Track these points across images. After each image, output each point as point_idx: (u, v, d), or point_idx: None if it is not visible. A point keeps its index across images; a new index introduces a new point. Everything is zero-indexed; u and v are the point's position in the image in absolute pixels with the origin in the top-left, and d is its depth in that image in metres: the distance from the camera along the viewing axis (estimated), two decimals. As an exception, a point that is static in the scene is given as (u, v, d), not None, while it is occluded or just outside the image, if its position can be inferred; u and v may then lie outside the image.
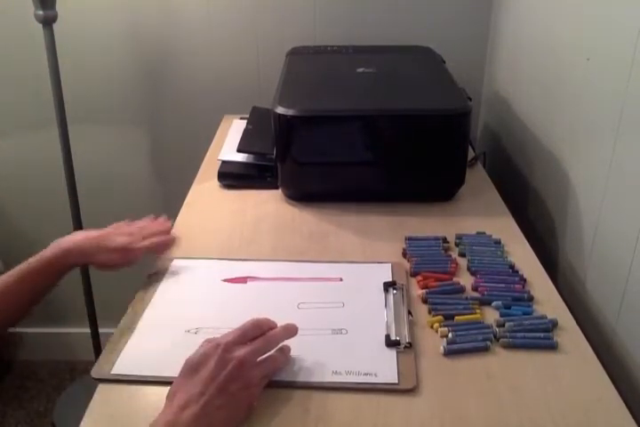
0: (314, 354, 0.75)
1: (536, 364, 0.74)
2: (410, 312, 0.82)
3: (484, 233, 1.03)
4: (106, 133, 1.70)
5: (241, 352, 0.66)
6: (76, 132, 1.54)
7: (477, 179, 1.23)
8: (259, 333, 0.70)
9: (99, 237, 0.91)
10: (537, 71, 1.25)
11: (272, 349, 0.71)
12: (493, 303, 0.85)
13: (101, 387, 0.71)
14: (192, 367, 0.64)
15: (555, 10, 1.16)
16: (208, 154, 1.34)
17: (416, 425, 0.66)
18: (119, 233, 0.94)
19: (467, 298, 0.86)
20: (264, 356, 0.69)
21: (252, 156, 1.22)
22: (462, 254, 0.97)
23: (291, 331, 0.73)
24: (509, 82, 1.45)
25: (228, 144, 1.30)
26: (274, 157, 1.13)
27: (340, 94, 1.15)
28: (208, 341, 0.68)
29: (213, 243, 1.01)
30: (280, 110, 1.07)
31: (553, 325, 0.80)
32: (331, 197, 1.14)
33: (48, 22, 1.38)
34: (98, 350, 1.73)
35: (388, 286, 0.88)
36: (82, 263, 0.89)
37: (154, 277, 0.92)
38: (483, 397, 0.70)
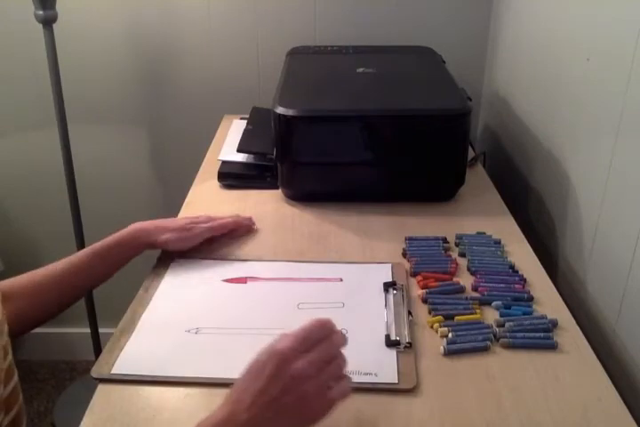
0: (314, 354, 0.75)
1: (536, 364, 0.74)
2: (410, 312, 0.82)
3: (483, 233, 1.03)
4: (106, 133, 1.70)
5: (298, 365, 0.60)
6: (75, 132, 1.54)
7: (477, 179, 1.23)
8: (322, 336, 0.64)
9: (162, 220, 0.97)
10: (537, 71, 1.25)
11: (332, 359, 0.63)
12: (493, 303, 0.85)
13: (101, 387, 0.71)
14: (250, 373, 0.61)
15: (555, 10, 1.16)
16: (208, 154, 1.34)
17: (416, 425, 0.66)
18: (184, 218, 1.00)
19: (467, 298, 0.86)
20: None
21: (252, 156, 1.22)
22: (462, 254, 0.97)
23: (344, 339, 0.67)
24: (509, 82, 1.45)
25: (228, 144, 1.30)
26: (274, 157, 1.13)
27: (339, 94, 1.15)
28: (270, 345, 0.62)
29: (214, 243, 1.01)
30: (280, 110, 1.07)
31: (553, 325, 0.80)
32: (331, 197, 1.14)
33: (48, 22, 1.38)
34: (98, 350, 1.73)
35: (388, 286, 0.88)
36: (148, 243, 0.93)
37: (154, 277, 0.92)
38: (483, 397, 0.70)
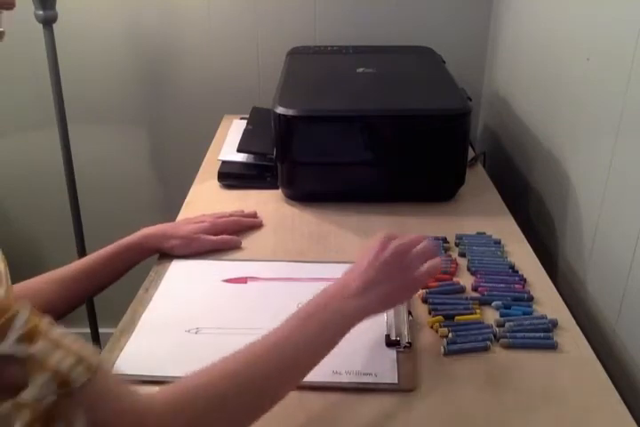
0: (314, 354, 0.75)
1: (536, 364, 0.74)
2: (410, 312, 0.82)
3: (483, 233, 1.03)
4: (106, 133, 1.70)
5: (402, 243, 0.75)
6: (75, 132, 1.54)
7: (477, 179, 1.23)
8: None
9: (170, 226, 0.99)
10: (537, 71, 1.25)
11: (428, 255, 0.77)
12: (493, 303, 0.85)
13: (101, 387, 0.71)
14: (358, 259, 0.74)
15: (555, 10, 1.16)
16: (208, 154, 1.34)
17: (416, 425, 0.66)
18: (191, 223, 1.00)
19: (467, 298, 0.86)
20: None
21: (252, 156, 1.22)
22: (462, 254, 0.97)
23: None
24: (509, 82, 1.45)
25: (228, 144, 1.30)
26: (274, 157, 1.13)
27: (339, 94, 1.15)
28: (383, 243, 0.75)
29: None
30: (280, 110, 1.07)
31: (553, 325, 0.80)
32: (331, 197, 1.14)
33: (48, 22, 1.38)
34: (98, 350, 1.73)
35: (388, 286, 0.88)
36: (156, 249, 0.95)
37: (154, 277, 0.92)
38: (483, 397, 0.70)
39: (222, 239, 0.99)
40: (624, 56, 0.86)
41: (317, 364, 0.65)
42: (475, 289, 0.88)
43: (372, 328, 0.80)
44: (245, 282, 0.90)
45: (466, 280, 0.90)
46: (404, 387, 0.70)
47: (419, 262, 0.75)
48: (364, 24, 1.56)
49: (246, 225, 1.05)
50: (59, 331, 0.48)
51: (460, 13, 1.56)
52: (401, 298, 0.76)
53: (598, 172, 0.95)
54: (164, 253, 0.97)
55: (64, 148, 1.51)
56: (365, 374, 0.72)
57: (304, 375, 0.64)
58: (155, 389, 0.55)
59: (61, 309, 0.84)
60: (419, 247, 0.76)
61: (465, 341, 0.77)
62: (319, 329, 0.66)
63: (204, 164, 1.30)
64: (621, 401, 0.69)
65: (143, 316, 0.83)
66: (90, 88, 1.63)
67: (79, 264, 0.88)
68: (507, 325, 0.80)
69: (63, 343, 0.47)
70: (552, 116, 1.16)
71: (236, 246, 0.99)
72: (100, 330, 1.72)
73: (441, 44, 1.47)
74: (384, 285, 0.71)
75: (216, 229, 1.00)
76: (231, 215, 1.05)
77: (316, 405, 0.68)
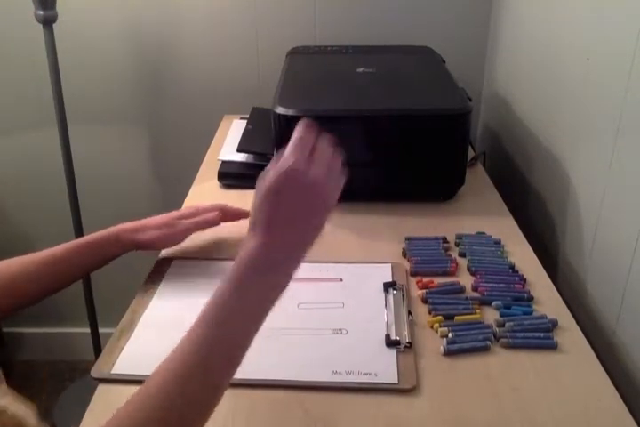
0: (314, 354, 0.75)
1: (536, 364, 0.75)
2: (410, 312, 0.82)
3: (483, 233, 1.03)
4: (106, 133, 1.70)
5: (316, 172, 0.65)
6: (75, 132, 1.54)
7: (477, 179, 1.23)
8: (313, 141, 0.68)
9: (147, 219, 0.93)
10: (537, 71, 1.25)
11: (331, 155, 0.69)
12: (493, 303, 0.85)
13: (101, 387, 0.71)
14: (272, 193, 0.64)
15: (554, 10, 1.16)
16: (208, 154, 1.34)
17: (416, 425, 0.66)
18: (168, 214, 0.96)
19: (467, 298, 0.86)
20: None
21: (252, 156, 1.22)
22: (462, 254, 0.97)
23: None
24: (509, 82, 1.45)
25: (228, 144, 1.30)
26: (274, 157, 1.13)
27: (340, 94, 1.15)
28: (276, 166, 0.66)
29: (213, 243, 1.01)
30: (280, 110, 1.07)
31: (553, 325, 0.80)
32: (331, 197, 1.13)
33: (48, 22, 1.38)
34: (98, 350, 1.73)
35: (387, 286, 0.88)
36: (133, 243, 0.89)
37: (154, 277, 0.92)
38: (483, 397, 0.70)
39: (203, 217, 0.94)
40: (624, 56, 0.86)
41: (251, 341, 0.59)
42: (475, 289, 0.88)
43: (372, 328, 0.80)
44: (245, 282, 0.90)
45: (466, 280, 0.90)
46: (404, 387, 0.70)
47: (321, 172, 0.65)
48: (364, 24, 1.56)
49: (232, 211, 0.99)
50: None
51: (460, 13, 1.56)
52: (314, 227, 0.65)
53: (598, 172, 0.95)
54: (167, 258, 0.97)
55: (64, 148, 1.51)
56: (365, 374, 0.72)
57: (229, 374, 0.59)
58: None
59: (32, 294, 0.83)
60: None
61: (465, 341, 0.77)
62: (239, 326, 0.60)
63: (203, 164, 1.30)
64: (621, 401, 0.69)
65: (143, 316, 0.83)
66: (90, 88, 1.63)
67: (54, 250, 0.85)
68: (507, 325, 0.80)
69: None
70: (552, 116, 1.16)
71: (217, 223, 0.96)
72: (100, 330, 1.73)
73: (441, 44, 1.46)
74: (293, 226, 0.63)
75: (197, 214, 0.95)
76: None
77: (316, 405, 0.68)
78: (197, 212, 0.96)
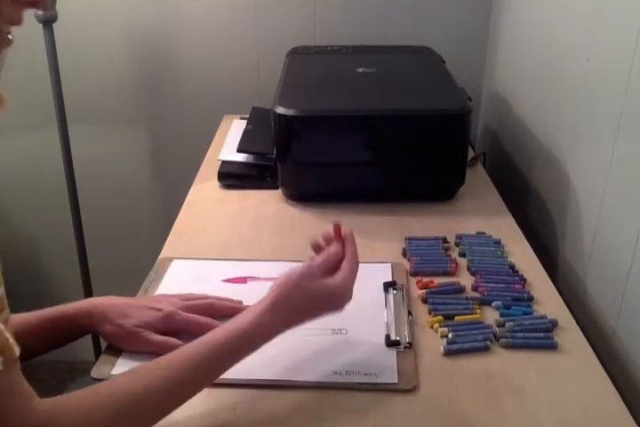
0: (314, 354, 0.75)
1: (536, 364, 0.74)
2: (410, 312, 0.82)
3: (483, 233, 1.03)
4: (106, 133, 1.70)
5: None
6: (75, 132, 1.54)
7: (477, 179, 1.23)
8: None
9: (125, 304, 0.80)
10: (537, 71, 1.25)
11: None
12: (493, 303, 0.85)
13: (101, 387, 0.71)
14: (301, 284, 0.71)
15: (554, 10, 1.16)
16: (208, 154, 1.34)
17: (416, 425, 0.66)
18: (153, 306, 0.80)
19: (467, 298, 0.86)
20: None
21: (252, 156, 1.22)
22: (462, 254, 0.97)
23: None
24: (509, 82, 1.45)
25: (228, 144, 1.30)
26: (274, 156, 1.13)
27: (339, 94, 1.15)
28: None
29: (213, 243, 1.01)
30: (280, 110, 1.07)
31: (553, 325, 0.80)
32: (331, 197, 1.14)
33: (48, 22, 1.38)
34: (98, 350, 1.73)
35: (388, 286, 0.88)
36: (93, 326, 0.77)
37: (154, 276, 0.92)
38: (483, 397, 0.70)
39: (164, 342, 0.75)
40: (624, 56, 0.86)
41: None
42: (475, 289, 0.88)
43: (372, 328, 0.80)
44: (245, 282, 0.90)
45: (466, 280, 0.90)
46: (404, 387, 0.70)
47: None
48: (364, 24, 1.56)
49: (220, 310, 0.82)
50: None
51: (460, 13, 1.56)
52: (316, 307, 0.72)
53: (598, 172, 0.95)
54: (167, 258, 0.97)
55: (64, 148, 1.51)
56: (365, 374, 0.72)
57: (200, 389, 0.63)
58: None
59: None
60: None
61: (465, 341, 0.77)
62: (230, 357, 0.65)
63: (203, 164, 1.30)
64: (621, 401, 0.69)
65: (143, 316, 0.82)
66: (90, 88, 1.63)
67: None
68: (507, 325, 0.80)
69: None
70: (552, 116, 1.16)
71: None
72: (100, 330, 1.72)
73: (441, 44, 1.46)
74: (298, 300, 0.70)
75: (169, 322, 0.77)
76: (207, 298, 0.85)
77: (316, 405, 0.68)
78: (171, 319, 0.77)
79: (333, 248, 0.75)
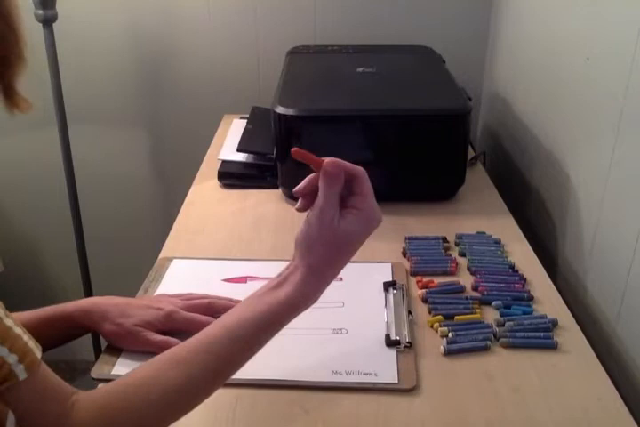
0: (314, 354, 0.75)
1: (536, 364, 0.74)
2: (410, 312, 0.82)
3: (483, 233, 1.03)
4: (106, 133, 1.70)
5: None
6: (75, 132, 1.54)
7: (477, 179, 1.23)
8: None
9: (125, 303, 0.79)
10: (537, 71, 1.25)
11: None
12: (493, 303, 0.85)
13: (101, 387, 0.71)
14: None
15: (554, 10, 1.16)
16: (208, 154, 1.34)
17: (416, 425, 0.66)
18: (152, 306, 0.79)
19: (467, 298, 0.86)
20: None
21: (251, 155, 1.22)
22: (462, 254, 0.97)
23: None
24: (509, 82, 1.45)
25: (228, 144, 1.30)
26: (274, 156, 1.13)
27: (339, 94, 1.15)
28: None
29: (213, 243, 1.01)
30: (280, 110, 1.07)
31: (553, 325, 0.80)
32: (331, 197, 1.13)
33: (48, 22, 1.38)
34: (98, 349, 1.73)
35: (388, 285, 0.88)
36: (93, 325, 0.76)
37: (154, 276, 0.92)
38: (483, 397, 0.70)
39: (164, 342, 0.75)
40: (624, 56, 0.86)
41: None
42: (475, 289, 0.88)
43: (372, 328, 0.80)
44: (245, 282, 0.90)
45: (466, 280, 0.90)
46: (404, 387, 0.70)
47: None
48: (364, 24, 1.56)
49: (220, 309, 0.79)
50: (9, 322, 0.49)
51: (460, 13, 1.56)
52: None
53: (598, 172, 0.95)
54: (167, 258, 0.97)
55: (64, 148, 1.51)
56: (365, 374, 0.72)
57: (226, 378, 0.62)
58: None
59: None
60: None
61: (465, 340, 0.77)
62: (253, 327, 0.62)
63: (203, 163, 1.30)
64: (621, 401, 0.69)
65: (143, 316, 0.82)
66: (90, 88, 1.63)
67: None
68: (507, 324, 0.80)
69: (10, 336, 0.48)
70: (552, 116, 1.16)
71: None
72: (100, 330, 1.72)
73: (441, 44, 1.46)
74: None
75: (169, 321, 0.77)
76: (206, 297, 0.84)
77: (316, 405, 0.68)
78: (170, 318, 0.77)
79: (321, 181, 0.68)
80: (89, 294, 1.68)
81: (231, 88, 1.62)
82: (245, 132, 1.28)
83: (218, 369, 0.60)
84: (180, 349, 0.60)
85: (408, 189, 1.13)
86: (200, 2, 1.55)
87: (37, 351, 0.51)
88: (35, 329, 0.73)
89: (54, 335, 0.77)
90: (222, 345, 0.60)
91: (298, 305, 0.64)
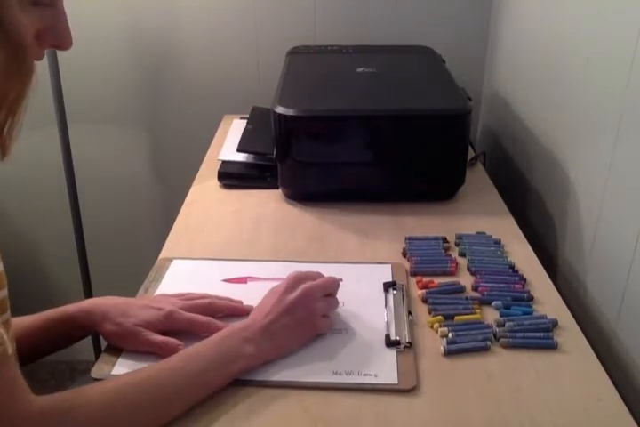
0: (314, 354, 0.75)
1: (536, 364, 0.74)
2: (410, 312, 0.82)
3: (484, 233, 1.03)
4: (106, 133, 1.70)
5: (308, 284, 0.77)
6: (75, 132, 1.54)
7: (477, 179, 1.23)
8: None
9: (125, 303, 0.79)
10: (537, 71, 1.25)
11: (330, 291, 0.80)
12: (493, 303, 0.85)
13: (101, 387, 0.71)
14: (268, 294, 0.78)
15: (554, 10, 1.16)
16: (208, 154, 1.34)
17: (416, 425, 0.66)
18: (153, 306, 0.79)
19: (467, 298, 0.86)
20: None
21: (251, 156, 1.22)
22: (462, 254, 0.97)
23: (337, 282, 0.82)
24: (509, 82, 1.45)
25: (228, 144, 1.30)
26: (274, 156, 1.13)
27: (340, 94, 1.15)
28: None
29: (213, 243, 1.01)
30: (280, 110, 1.07)
31: (553, 325, 0.80)
32: (331, 197, 1.14)
33: (48, 22, 1.38)
34: (98, 350, 1.73)
35: (388, 286, 0.88)
36: (93, 325, 0.77)
37: (154, 277, 0.92)
38: (483, 397, 0.70)
39: (164, 342, 0.74)
40: (624, 56, 0.86)
41: (191, 404, 0.66)
42: (475, 289, 0.88)
43: (372, 328, 0.80)
44: (245, 282, 0.90)
45: (466, 280, 0.90)
46: (404, 387, 0.70)
47: (323, 307, 0.78)
48: (364, 24, 1.56)
49: (220, 309, 0.82)
50: None
51: (460, 13, 1.56)
52: (298, 344, 0.76)
53: (598, 172, 0.95)
54: (167, 258, 0.97)
55: (64, 148, 1.51)
56: (365, 375, 0.72)
57: (175, 413, 0.65)
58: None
59: None
60: (322, 287, 0.78)
61: (465, 341, 0.77)
62: (202, 368, 0.68)
63: (203, 164, 1.30)
64: (621, 401, 0.69)
65: (143, 316, 0.82)
66: (90, 88, 1.63)
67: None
68: (507, 325, 0.80)
69: None
70: (552, 116, 1.16)
71: (174, 352, 0.71)
72: (100, 330, 1.72)
73: (441, 44, 1.47)
74: (285, 331, 0.74)
75: (170, 322, 0.77)
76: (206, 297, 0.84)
77: (316, 405, 0.68)
78: (170, 318, 0.77)
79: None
80: (89, 294, 1.68)
81: (231, 88, 1.62)
82: (245, 132, 1.28)
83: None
84: (106, 388, 0.64)
85: (408, 189, 1.13)
86: (200, 2, 1.55)
87: (10, 347, 0.53)
88: (39, 332, 0.75)
89: (58, 337, 0.77)
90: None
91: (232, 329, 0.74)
